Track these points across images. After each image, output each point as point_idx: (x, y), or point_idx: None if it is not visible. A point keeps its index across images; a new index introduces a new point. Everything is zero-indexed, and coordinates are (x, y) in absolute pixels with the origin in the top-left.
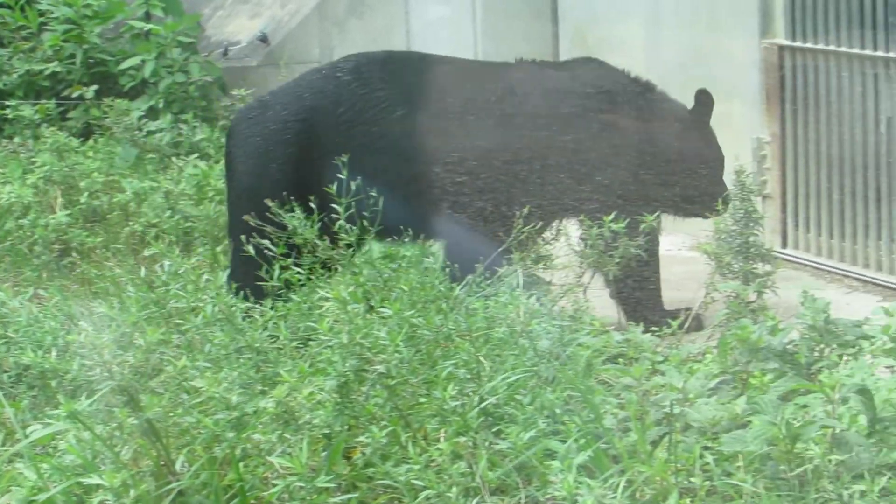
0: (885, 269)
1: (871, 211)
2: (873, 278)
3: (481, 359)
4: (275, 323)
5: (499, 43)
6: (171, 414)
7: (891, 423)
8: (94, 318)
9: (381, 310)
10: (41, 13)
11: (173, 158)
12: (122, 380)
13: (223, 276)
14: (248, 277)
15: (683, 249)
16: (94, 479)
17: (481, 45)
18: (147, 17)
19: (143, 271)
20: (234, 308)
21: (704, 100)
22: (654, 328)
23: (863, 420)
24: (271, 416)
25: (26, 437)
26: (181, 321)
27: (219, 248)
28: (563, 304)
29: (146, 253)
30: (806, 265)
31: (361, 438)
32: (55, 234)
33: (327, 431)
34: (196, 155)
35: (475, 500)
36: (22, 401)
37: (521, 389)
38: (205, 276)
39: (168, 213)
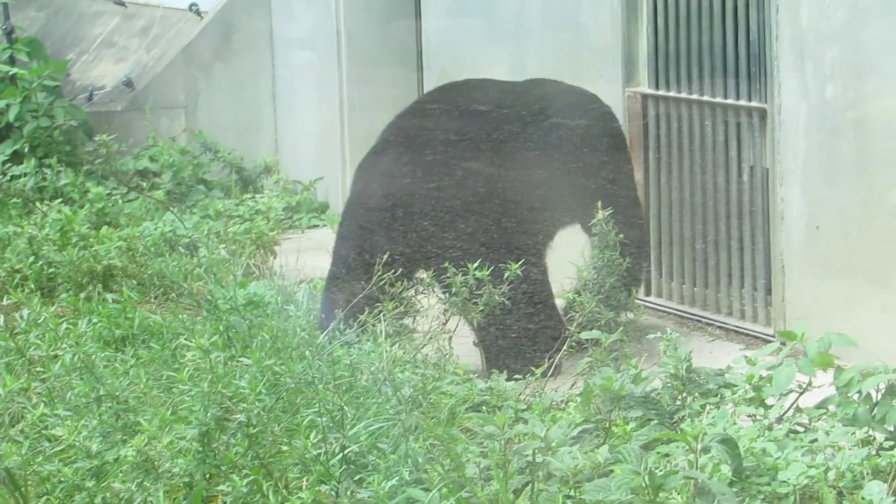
0: (747, 318)
1: (734, 259)
2: (736, 326)
3: (344, 406)
4: (135, 370)
5: (364, 88)
6: (31, 462)
7: (753, 472)
8: None
9: (242, 358)
10: None
11: (37, 203)
12: None
13: (82, 324)
14: None
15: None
16: None
17: (346, 90)
18: (11, 61)
19: (1, 319)
20: (93, 356)
21: None
22: (516, 376)
23: (725, 469)
24: (131, 464)
25: None
26: (41, 369)
27: (82, 295)
28: (427, 351)
29: (5, 301)
30: (669, 313)
31: (222, 487)
32: None
33: (188, 480)
34: (60, 200)
35: None
36: None
37: (383, 437)
38: (64, 325)
39: (31, 258)
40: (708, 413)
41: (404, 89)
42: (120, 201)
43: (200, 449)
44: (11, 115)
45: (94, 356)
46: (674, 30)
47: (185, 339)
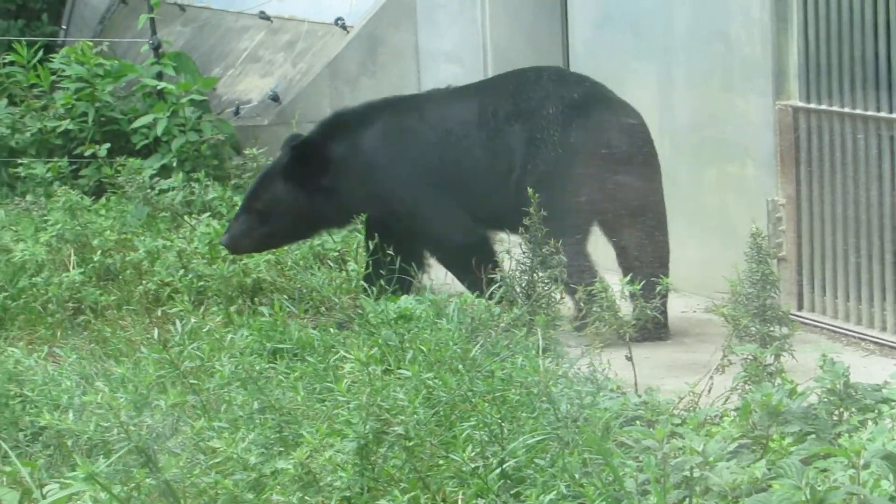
0: None
1: (888, 273)
2: (890, 341)
3: (500, 421)
4: (291, 383)
5: None
6: (189, 475)
7: None
8: (111, 379)
9: (399, 371)
10: (53, 72)
11: (185, 217)
12: (140, 441)
13: (235, 337)
14: None
15: (699, 311)
16: None
17: None
18: (159, 76)
19: (156, 332)
20: (255, 368)
21: None
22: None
23: (886, 485)
24: (291, 477)
25: (43, 496)
26: (196, 381)
27: (232, 308)
28: (580, 365)
29: (159, 312)
30: (822, 328)
31: (382, 502)
32: (69, 292)
33: (347, 494)
34: (208, 213)
35: None
36: (38, 460)
37: (539, 452)
38: (220, 337)
39: (181, 271)
40: (866, 428)
41: None
42: None
43: (359, 462)
44: (159, 130)
45: (255, 368)
46: (825, 41)
47: (343, 352)
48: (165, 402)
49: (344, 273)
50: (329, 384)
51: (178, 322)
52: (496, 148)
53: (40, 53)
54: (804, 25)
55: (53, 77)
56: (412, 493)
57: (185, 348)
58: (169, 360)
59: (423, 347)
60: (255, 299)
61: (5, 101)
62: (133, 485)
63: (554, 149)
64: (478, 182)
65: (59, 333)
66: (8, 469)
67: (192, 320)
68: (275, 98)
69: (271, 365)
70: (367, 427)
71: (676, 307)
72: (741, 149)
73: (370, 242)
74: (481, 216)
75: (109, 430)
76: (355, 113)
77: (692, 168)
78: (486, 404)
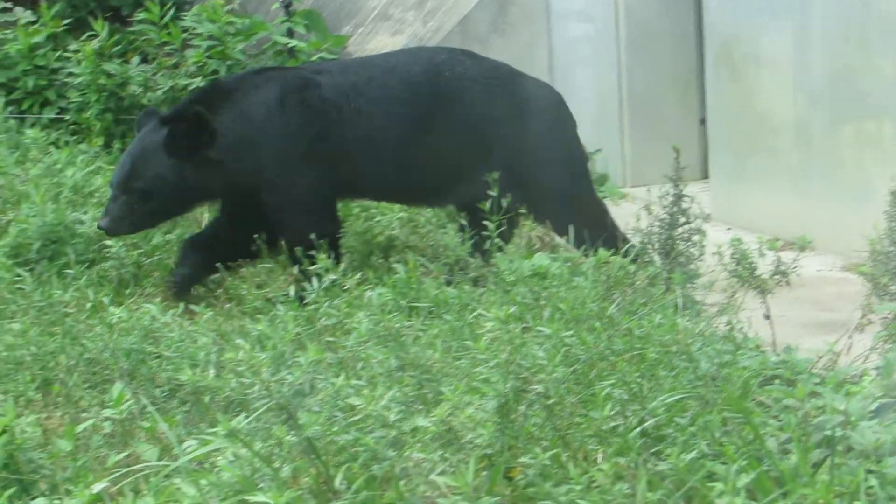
0: None
1: None
2: None
3: (639, 380)
4: (430, 341)
5: (643, 61)
6: (329, 432)
7: None
8: (249, 336)
9: (538, 329)
10: (185, 30)
11: None
12: (281, 398)
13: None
14: None
15: (835, 270)
16: (259, 497)
17: (625, 62)
18: (290, 33)
19: (291, 290)
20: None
21: None
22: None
23: None
24: (432, 435)
25: (183, 453)
26: (333, 339)
27: (365, 264)
28: (717, 323)
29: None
30: None
31: (524, 459)
32: None
33: (489, 451)
34: None
35: None
36: (175, 416)
37: (679, 411)
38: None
39: None
40: None
41: (683, 61)
42: None
43: (499, 420)
44: None
45: (394, 325)
46: None
47: (481, 310)
48: (305, 360)
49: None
50: (466, 342)
51: (314, 279)
52: (428, 126)
53: (172, 12)
54: None
55: (185, 35)
56: (553, 452)
57: (321, 306)
58: (306, 317)
59: (561, 305)
60: (388, 257)
61: (137, 59)
62: (273, 441)
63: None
64: (397, 158)
65: (192, 290)
66: (147, 425)
67: (331, 277)
68: None
69: (408, 323)
70: (508, 385)
71: (812, 266)
72: (878, 106)
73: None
74: (392, 193)
75: (250, 388)
76: (236, 82)
77: (828, 125)
78: (625, 363)
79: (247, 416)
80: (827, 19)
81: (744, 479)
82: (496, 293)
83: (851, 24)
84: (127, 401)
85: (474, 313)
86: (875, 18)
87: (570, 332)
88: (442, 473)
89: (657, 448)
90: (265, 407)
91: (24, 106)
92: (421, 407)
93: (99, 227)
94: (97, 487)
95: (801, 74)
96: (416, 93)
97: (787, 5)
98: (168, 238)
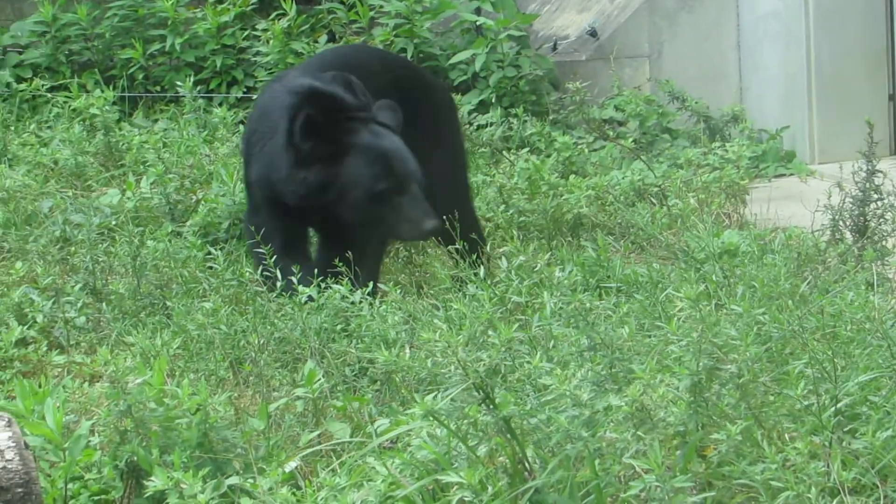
0: None
1: None
2: None
3: (832, 358)
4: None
5: (832, 36)
6: (525, 412)
7: None
8: (442, 315)
9: (731, 307)
10: (372, 8)
11: (504, 153)
12: (477, 378)
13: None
14: None
15: None
16: (453, 477)
17: (813, 38)
18: (478, 11)
19: (482, 270)
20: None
21: None
22: None
23: None
24: (626, 414)
25: (376, 432)
26: (524, 318)
27: (553, 242)
28: None
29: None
30: None
31: (716, 436)
32: None
33: (681, 430)
34: (527, 149)
35: (834, 501)
36: (366, 395)
37: (873, 389)
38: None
39: (502, 206)
40: None
41: (872, 37)
42: (586, 150)
43: (692, 399)
44: (478, 65)
45: (585, 304)
46: None
47: (671, 289)
48: (498, 339)
49: (665, 209)
50: (657, 321)
51: (504, 259)
52: None
53: None
54: None
55: (372, 13)
56: (744, 426)
57: (511, 285)
58: (498, 296)
59: (754, 283)
60: (576, 234)
61: (325, 37)
62: (469, 421)
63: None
64: None
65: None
66: (339, 404)
67: (521, 258)
68: (592, 34)
69: (598, 301)
70: (700, 364)
71: None
72: None
73: None
74: None
75: (445, 367)
76: None
77: None
78: (818, 341)
79: (439, 396)
80: None
81: None
82: (687, 271)
83: None
84: (318, 379)
85: (664, 292)
86: None
87: (763, 310)
88: (635, 453)
89: (851, 426)
90: (463, 387)
91: (212, 85)
92: (613, 386)
93: (433, 230)
94: (290, 466)
95: None
96: None
97: None
98: None
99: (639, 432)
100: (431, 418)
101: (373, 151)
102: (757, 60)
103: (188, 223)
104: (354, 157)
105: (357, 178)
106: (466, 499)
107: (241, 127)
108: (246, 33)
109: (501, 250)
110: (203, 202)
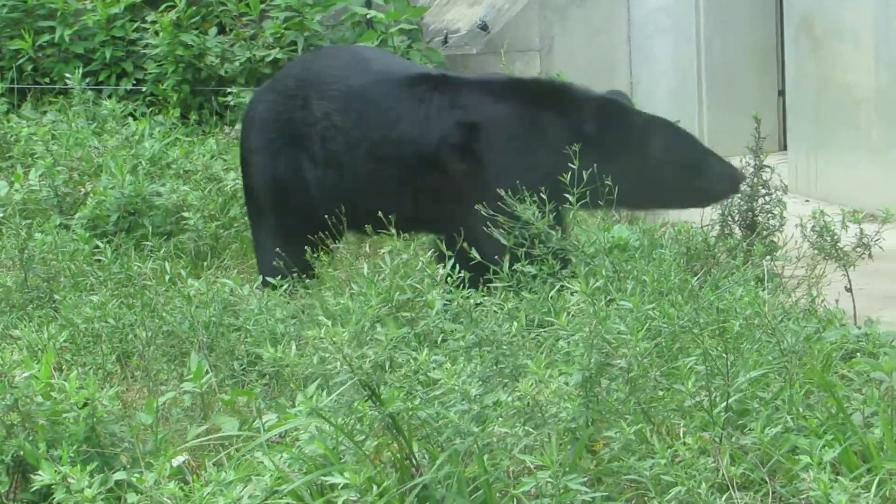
0: None
1: None
2: None
3: (723, 354)
4: (510, 315)
5: (723, 32)
6: (412, 407)
7: None
8: (329, 312)
9: (622, 302)
10: (262, 1)
11: None
12: (363, 374)
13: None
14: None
15: None
16: (338, 479)
17: (704, 33)
18: (368, 4)
19: (364, 267)
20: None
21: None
22: None
23: None
24: (518, 409)
25: (264, 427)
26: (408, 314)
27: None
28: (798, 297)
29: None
30: None
31: (609, 433)
32: None
33: (573, 426)
34: None
35: (723, 497)
36: (254, 389)
37: (762, 385)
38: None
39: None
40: None
41: (763, 33)
42: None
43: (583, 394)
44: None
45: (469, 300)
46: None
47: (565, 283)
48: (385, 336)
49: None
50: (546, 315)
51: (387, 256)
52: None
53: None
54: None
55: (262, 6)
56: (638, 426)
57: (395, 282)
58: (382, 293)
59: (644, 278)
60: None
61: (215, 29)
62: (355, 417)
63: None
64: None
65: None
66: (226, 398)
67: (404, 256)
68: (483, 27)
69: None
70: (592, 360)
71: (893, 238)
72: None
73: None
74: None
75: (331, 363)
76: None
77: None
78: (708, 337)
79: (327, 392)
80: None
81: (829, 454)
82: (577, 266)
83: None
84: (205, 374)
85: (556, 287)
86: None
87: (653, 306)
88: (525, 448)
89: (741, 422)
90: (348, 384)
91: (102, 77)
92: (501, 381)
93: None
94: (177, 460)
95: (883, 46)
96: None
97: None
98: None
99: (528, 427)
100: (318, 414)
101: (669, 126)
102: (647, 55)
103: (76, 216)
104: (654, 135)
105: (668, 154)
106: (352, 499)
107: (131, 120)
108: (135, 25)
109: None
110: (91, 195)
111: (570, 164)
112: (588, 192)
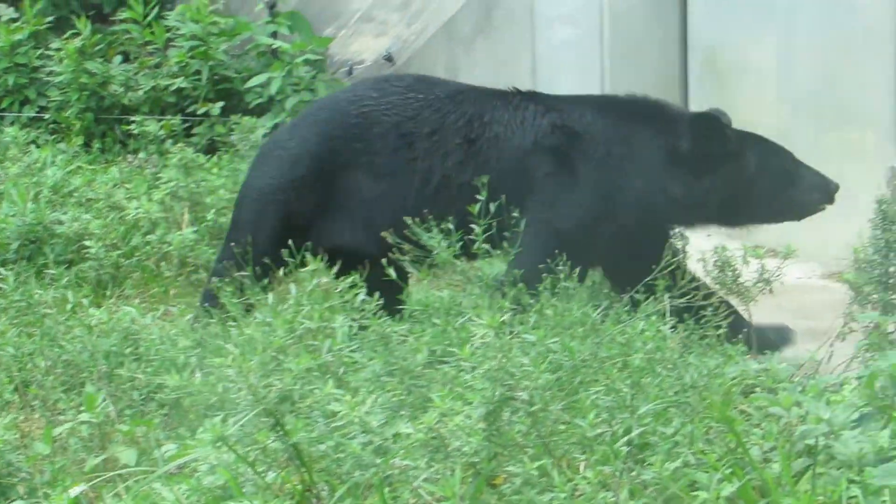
0: None
1: None
2: None
3: (624, 388)
4: (415, 346)
5: (627, 66)
6: (314, 438)
7: None
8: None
9: (525, 335)
10: (168, 29)
11: None
12: (268, 404)
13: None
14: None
15: (815, 277)
16: None
17: (609, 68)
18: (274, 35)
19: (270, 298)
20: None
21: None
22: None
23: None
24: (419, 442)
25: (162, 457)
26: (314, 342)
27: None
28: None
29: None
30: None
31: (511, 468)
32: (182, 251)
33: (475, 460)
34: None
35: None
36: (153, 419)
37: (663, 419)
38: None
39: None
40: None
41: (667, 69)
42: None
43: (486, 428)
44: (273, 89)
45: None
46: None
47: (468, 315)
48: (294, 366)
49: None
50: (450, 347)
51: (293, 285)
52: None
53: (155, 11)
54: None
55: (168, 35)
56: (540, 462)
57: (302, 310)
58: (287, 322)
59: (547, 311)
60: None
61: (119, 58)
62: (258, 447)
63: None
64: None
65: (171, 292)
66: (125, 428)
67: (314, 281)
68: (389, 58)
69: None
70: (496, 393)
71: (793, 273)
72: (862, 115)
73: None
74: None
75: (236, 392)
76: None
77: (812, 134)
78: (610, 370)
79: (229, 421)
80: (812, 28)
81: (727, 489)
82: (482, 297)
83: (836, 34)
84: (103, 402)
85: (462, 318)
86: (860, 28)
87: (556, 339)
88: (427, 481)
89: (641, 456)
90: (252, 412)
91: (4, 104)
92: (407, 413)
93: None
94: (75, 491)
95: (785, 83)
96: None
97: (772, 14)
98: (148, 239)
99: (431, 460)
100: (220, 444)
101: (762, 141)
102: (552, 88)
103: None
104: (749, 150)
105: (763, 168)
106: None
107: (34, 147)
108: (39, 52)
109: (290, 279)
110: None
111: (669, 181)
112: (687, 211)
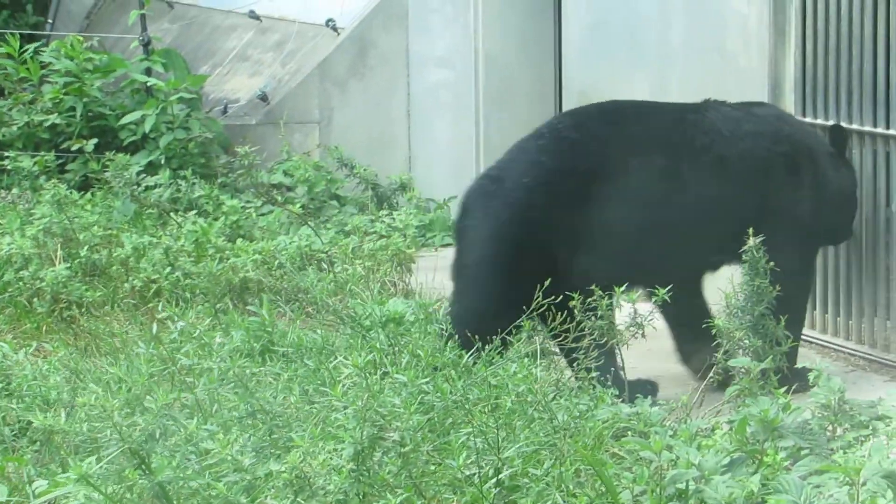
0: (892, 350)
1: (880, 290)
2: (881, 358)
3: (495, 429)
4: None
5: (501, 108)
6: (182, 477)
7: None
8: (102, 378)
9: (397, 376)
10: (43, 65)
11: (172, 214)
12: (133, 442)
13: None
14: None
15: None
16: None
17: (483, 109)
18: (148, 72)
19: (153, 328)
20: (246, 370)
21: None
22: None
23: (883, 503)
24: (285, 481)
25: (34, 494)
26: (189, 380)
27: (218, 306)
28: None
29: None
30: (812, 343)
31: None
32: (55, 287)
33: (342, 498)
34: (195, 211)
35: None
36: (24, 455)
37: (534, 461)
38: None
39: (168, 269)
40: (864, 445)
41: (542, 110)
42: (254, 214)
43: (355, 467)
44: (147, 126)
45: (246, 369)
46: (822, 56)
47: (341, 355)
48: (157, 403)
49: (332, 275)
50: (322, 387)
51: (172, 322)
52: None
53: (32, 46)
54: (802, 39)
55: (43, 71)
56: (406, 498)
57: (176, 348)
58: (163, 357)
59: (419, 352)
60: (242, 298)
61: None
62: (125, 485)
63: None
64: None
65: (44, 328)
66: None
67: (181, 323)
68: (263, 98)
69: (262, 367)
70: (365, 433)
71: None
72: None
73: None
74: None
75: (102, 430)
76: None
77: None
78: (481, 412)
79: (98, 459)
80: (685, 73)
81: None
82: (354, 338)
83: (709, 79)
84: None
85: (333, 359)
86: (733, 74)
87: (427, 380)
88: None
89: (511, 498)
90: (118, 451)
91: None
92: (275, 452)
93: None
94: None
95: None
96: None
97: (646, 57)
98: (21, 275)
99: (299, 499)
100: (87, 482)
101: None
102: (426, 130)
103: None
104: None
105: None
106: None
107: None
108: None
109: (164, 314)
110: None
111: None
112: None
